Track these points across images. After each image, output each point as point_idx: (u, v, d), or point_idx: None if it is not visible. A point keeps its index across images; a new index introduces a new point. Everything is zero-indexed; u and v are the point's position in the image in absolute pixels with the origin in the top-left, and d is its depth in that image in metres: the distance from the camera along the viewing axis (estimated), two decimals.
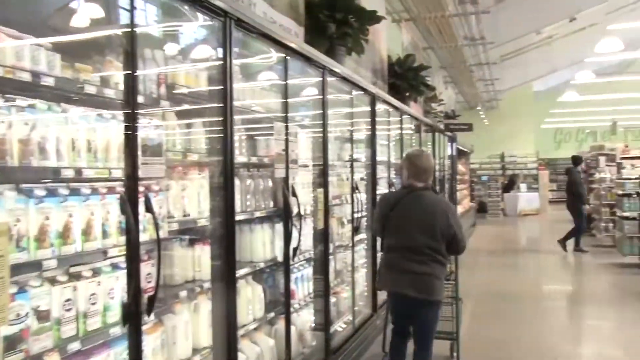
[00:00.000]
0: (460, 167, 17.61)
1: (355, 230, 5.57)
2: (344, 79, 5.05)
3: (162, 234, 2.74)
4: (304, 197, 4.43)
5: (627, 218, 9.93)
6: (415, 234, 3.88)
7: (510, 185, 22.16)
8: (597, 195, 12.72)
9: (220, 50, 3.05)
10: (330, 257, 5.04)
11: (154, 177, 2.60)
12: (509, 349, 5.85)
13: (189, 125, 3.23)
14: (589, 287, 9.01)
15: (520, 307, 7.61)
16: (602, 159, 13.78)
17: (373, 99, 6.09)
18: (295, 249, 3.94)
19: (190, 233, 3.24)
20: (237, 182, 3.56)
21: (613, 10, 15.94)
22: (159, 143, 2.50)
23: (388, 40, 8.45)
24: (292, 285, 4.28)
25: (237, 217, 3.33)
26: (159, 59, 2.85)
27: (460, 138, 15.91)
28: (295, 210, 3.97)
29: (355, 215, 5.62)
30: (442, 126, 12.86)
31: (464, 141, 17.47)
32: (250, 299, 3.77)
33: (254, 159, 3.90)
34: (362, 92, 5.80)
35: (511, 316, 7.16)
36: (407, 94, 8.92)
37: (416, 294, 3.84)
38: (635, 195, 9.90)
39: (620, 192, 10.17)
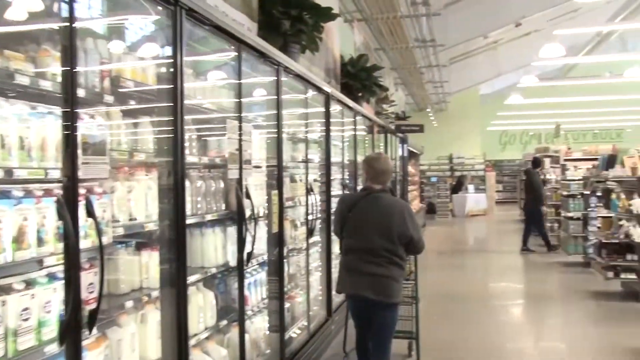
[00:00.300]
0: (410, 169, 17.76)
1: (310, 233, 5.43)
2: (299, 77, 4.91)
3: (106, 239, 2.53)
4: (258, 199, 4.26)
5: (571, 218, 10.19)
6: (372, 236, 3.89)
7: (458, 186, 22.53)
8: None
9: (170, 43, 2.85)
10: (284, 260, 4.89)
11: (97, 178, 2.39)
12: (457, 349, 5.88)
13: (135, 123, 3.01)
14: (536, 286, 9.17)
15: (469, 307, 7.67)
16: (547, 160, 14.14)
17: (327, 99, 5.97)
18: (249, 254, 3.77)
19: (137, 238, 3.02)
20: (187, 183, 3.37)
21: (554, 17, 16.51)
22: (102, 141, 2.28)
23: (340, 40, 8.36)
24: (246, 291, 4.10)
25: (188, 221, 3.16)
26: (103, 49, 2.63)
27: (410, 139, 16.05)
28: (248, 212, 3.81)
29: (310, 218, 5.49)
30: (393, 127, 12.90)
31: (414, 142, 17.63)
32: (202, 307, 3.58)
33: (205, 159, 3.71)
34: (317, 91, 5.67)
35: (460, 316, 7.20)
36: (360, 95, 8.85)
37: (374, 296, 3.85)
38: (579, 196, 10.17)
39: (566, 193, 10.42)
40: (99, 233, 2.24)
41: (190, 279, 3.27)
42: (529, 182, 11.89)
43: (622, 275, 7.55)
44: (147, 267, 3.00)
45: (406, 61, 14.36)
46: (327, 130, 6.05)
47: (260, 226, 4.36)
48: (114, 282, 2.87)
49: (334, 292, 6.11)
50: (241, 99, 3.70)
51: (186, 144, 3.14)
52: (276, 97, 4.36)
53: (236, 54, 3.67)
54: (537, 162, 12.27)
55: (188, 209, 3.30)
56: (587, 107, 21.32)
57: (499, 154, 28.39)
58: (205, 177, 3.70)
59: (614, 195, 7.59)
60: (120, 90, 2.74)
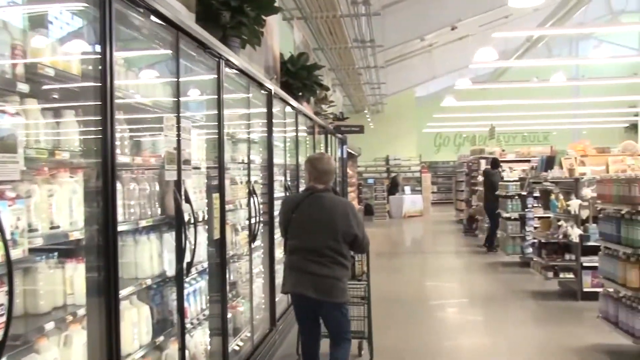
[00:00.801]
0: (348, 170, 17.69)
1: (253, 238, 5.13)
2: (241, 71, 4.60)
3: (21, 251, 2.16)
4: (197, 202, 3.93)
5: (509, 219, 10.32)
6: (316, 235, 3.93)
7: (393, 186, 22.69)
8: (480, 197, 13.21)
9: (98, 36, 2.51)
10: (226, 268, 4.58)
11: (8, 181, 2.02)
12: (399, 350, 5.80)
13: (57, 116, 2.64)
14: (476, 287, 9.21)
15: (409, 309, 7.59)
16: (482, 162, 14.36)
17: (270, 96, 5.69)
18: (189, 264, 3.44)
19: (60, 248, 2.65)
20: (118, 186, 3.02)
21: (487, 22, 16.98)
22: (12, 135, 1.92)
23: (279, 38, 8.09)
24: (184, 303, 3.77)
25: (120, 228, 2.82)
26: (15, 31, 2.25)
27: (348, 141, 15.98)
28: (187, 217, 3.49)
29: (252, 221, 5.20)
30: (332, 128, 12.74)
31: (351, 144, 17.59)
32: (136, 322, 3.23)
33: (138, 160, 3.36)
34: (259, 88, 5.38)
35: (401, 318, 7.08)
36: (300, 94, 8.61)
37: (316, 296, 3.88)
38: (517, 197, 10.30)
39: (504, 193, 10.56)
40: (6, 245, 1.88)
41: (123, 292, 2.94)
42: (488, 182, 11.90)
43: (561, 275, 7.65)
44: (72, 281, 2.64)
45: (344, 62, 14.26)
46: (270, 130, 5.77)
47: (200, 232, 4.04)
48: (32, 300, 2.49)
49: (277, 298, 5.86)
50: (179, 93, 3.37)
51: (117, 143, 2.82)
52: (217, 92, 4.04)
53: (171, 52, 3.33)
54: (495, 163, 12.30)
55: (120, 215, 2.97)
56: (517, 110, 22.00)
57: (433, 156, 28.90)
58: (139, 179, 3.35)
59: (552, 196, 7.70)
60: (38, 78, 2.38)
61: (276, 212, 6.10)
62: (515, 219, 10.14)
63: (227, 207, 4.75)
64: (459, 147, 28.55)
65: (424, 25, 15.39)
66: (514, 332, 6.67)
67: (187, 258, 3.40)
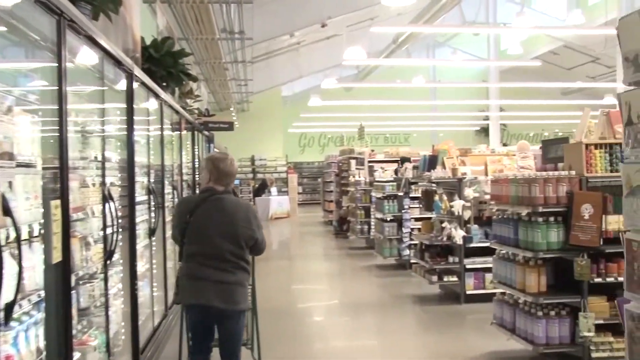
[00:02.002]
0: None
1: (110, 254, 4.12)
2: (91, 39, 3.56)
3: None
4: (32, 211, 2.91)
5: (386, 220, 10.03)
6: (217, 240, 3.75)
7: (261, 188, 22.03)
8: (352, 198, 12.92)
9: None
10: (72, 292, 3.57)
11: None
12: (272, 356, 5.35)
13: None
14: (355, 292, 8.81)
15: (283, 320, 6.95)
16: (353, 162, 14.15)
17: (130, 79, 4.69)
18: (9, 306, 2.42)
19: None
20: None
21: (354, 23, 17.07)
22: None
23: (140, 24, 7.03)
24: (10, 349, 2.75)
25: None
26: None
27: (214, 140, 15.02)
28: (11, 234, 2.50)
29: (108, 232, 4.19)
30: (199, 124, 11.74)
31: (217, 143, 16.64)
32: None
33: None
34: (117, 66, 4.37)
35: (272, 325, 6.36)
36: (165, 84, 7.58)
37: (223, 305, 3.73)
38: (393, 198, 10.02)
39: (381, 195, 10.26)
40: None
41: None
42: None
43: (445, 278, 7.41)
44: None
45: (211, 55, 13.32)
46: (130, 121, 4.76)
47: (34, 250, 3.01)
48: None
49: (140, 322, 4.88)
50: None
51: None
52: (58, 62, 3.01)
53: None
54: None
55: None
56: (381, 111, 22.45)
57: (299, 157, 28.78)
58: None
59: (436, 197, 7.45)
60: None
61: (138, 219, 5.16)
62: (392, 221, 9.87)
63: (76, 215, 3.74)
64: (324, 147, 28.72)
65: (295, 20, 14.97)
66: (400, 337, 6.35)
67: (7, 295, 2.39)
